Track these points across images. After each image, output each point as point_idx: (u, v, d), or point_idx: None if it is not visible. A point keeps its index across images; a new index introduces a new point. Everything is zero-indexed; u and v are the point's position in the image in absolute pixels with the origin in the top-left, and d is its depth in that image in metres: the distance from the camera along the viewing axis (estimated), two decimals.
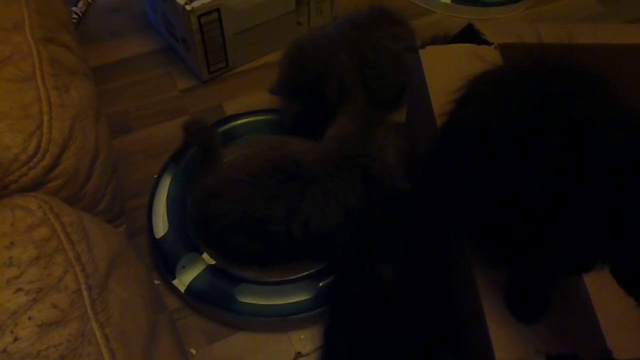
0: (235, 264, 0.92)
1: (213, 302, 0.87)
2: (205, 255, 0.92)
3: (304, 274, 0.91)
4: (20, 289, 0.45)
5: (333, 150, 0.91)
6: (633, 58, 0.98)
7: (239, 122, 1.14)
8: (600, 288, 0.67)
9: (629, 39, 0.98)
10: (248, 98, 1.23)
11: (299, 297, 0.88)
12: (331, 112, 0.99)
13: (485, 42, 0.93)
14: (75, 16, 1.36)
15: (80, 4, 1.39)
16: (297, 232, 0.86)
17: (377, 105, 1.07)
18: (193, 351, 0.87)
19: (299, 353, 0.87)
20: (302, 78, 1.02)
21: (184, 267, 0.91)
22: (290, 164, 0.87)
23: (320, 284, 0.90)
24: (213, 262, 0.92)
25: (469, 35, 0.96)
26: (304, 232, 0.86)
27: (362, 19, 1.11)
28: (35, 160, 0.57)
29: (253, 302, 0.88)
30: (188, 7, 1.08)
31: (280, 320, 0.87)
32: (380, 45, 1.08)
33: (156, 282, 0.93)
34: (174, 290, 0.91)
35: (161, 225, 0.96)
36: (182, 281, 0.90)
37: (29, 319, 0.44)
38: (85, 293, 0.49)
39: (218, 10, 1.12)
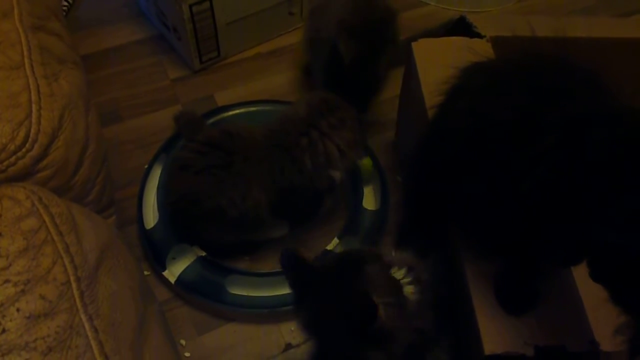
0: (219, 253, 0.92)
1: (203, 293, 0.87)
2: (195, 247, 0.92)
3: None
4: (8, 280, 0.45)
5: (273, 131, 0.90)
6: (625, 52, 0.98)
7: (230, 113, 1.13)
8: (589, 281, 0.68)
9: (622, 33, 0.98)
10: (240, 88, 1.22)
11: (289, 288, 0.88)
12: (386, 57, 1.00)
13: (478, 35, 0.93)
14: (66, 4, 1.33)
15: None
16: (228, 206, 0.84)
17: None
18: (183, 342, 0.87)
19: (289, 344, 0.87)
20: (367, 18, 0.99)
21: (174, 258, 0.91)
22: (220, 136, 0.87)
23: None
24: (203, 253, 0.91)
25: (461, 27, 0.96)
26: (234, 205, 0.84)
27: None
28: (23, 150, 0.56)
29: (243, 293, 0.88)
30: None
31: (270, 312, 0.87)
32: None
33: (146, 273, 0.93)
34: (164, 281, 0.90)
35: (151, 216, 0.96)
36: (173, 272, 0.89)
37: (17, 310, 0.44)
38: (74, 285, 0.48)
39: None
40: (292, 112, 0.91)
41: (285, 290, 0.88)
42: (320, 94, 0.92)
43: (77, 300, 0.48)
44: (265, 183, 0.86)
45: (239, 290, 0.88)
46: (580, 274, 0.69)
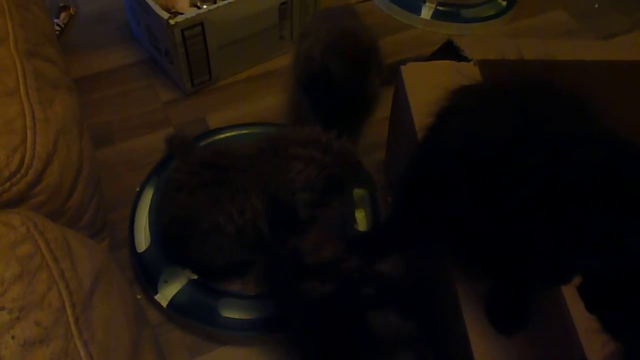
0: (211, 276, 0.92)
1: (196, 317, 0.87)
2: (187, 270, 0.92)
3: None
4: (3, 307, 0.45)
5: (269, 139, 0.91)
6: (608, 73, 1.01)
7: (222, 135, 1.14)
8: (579, 300, 0.68)
9: (604, 55, 1.01)
10: (231, 111, 1.23)
11: None
12: (374, 82, 1.02)
13: (465, 59, 0.95)
14: (58, 28, 1.35)
15: (62, 16, 1.38)
16: (225, 223, 0.84)
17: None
18: None
19: None
20: (353, 43, 1.01)
21: (166, 281, 0.90)
22: (212, 156, 0.88)
23: None
24: (195, 276, 0.91)
25: (449, 51, 0.98)
26: (232, 220, 0.84)
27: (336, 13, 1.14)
28: (18, 176, 0.57)
29: (236, 316, 0.87)
30: (172, 21, 1.09)
31: (262, 335, 0.87)
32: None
33: (138, 296, 0.92)
34: (156, 304, 0.90)
35: (143, 239, 0.96)
36: (165, 296, 0.89)
37: (12, 338, 0.44)
38: (69, 311, 0.48)
39: (202, 24, 1.13)
40: (287, 131, 0.92)
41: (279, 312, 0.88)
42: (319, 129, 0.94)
43: (72, 326, 0.48)
44: (263, 191, 0.86)
45: (231, 313, 0.88)
46: (571, 293, 0.70)
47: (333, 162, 0.88)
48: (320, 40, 1.03)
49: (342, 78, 0.98)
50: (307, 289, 0.74)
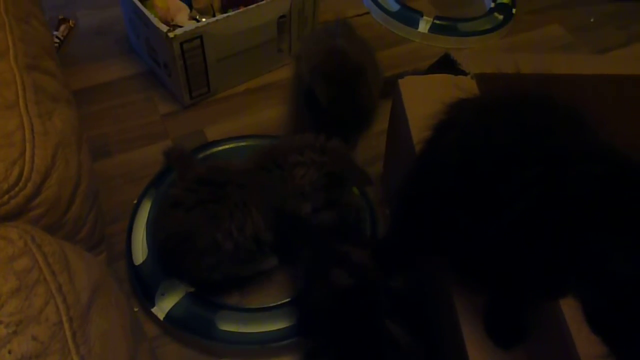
0: (208, 289, 0.92)
1: (193, 330, 0.87)
2: (184, 282, 0.92)
3: (285, 300, 0.91)
4: (0, 322, 0.45)
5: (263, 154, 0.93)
6: (604, 87, 1.02)
7: (220, 147, 1.14)
8: (578, 313, 0.68)
9: (600, 69, 1.02)
10: (230, 123, 1.24)
11: (280, 324, 0.88)
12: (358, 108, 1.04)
13: (462, 72, 0.96)
14: (57, 40, 1.35)
15: (62, 28, 1.39)
16: (223, 239, 0.84)
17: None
18: None
19: None
20: (343, 70, 1.03)
21: (163, 294, 0.90)
22: (209, 172, 0.89)
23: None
24: (192, 289, 0.91)
25: (446, 64, 0.99)
26: (231, 237, 0.84)
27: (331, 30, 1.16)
28: (17, 189, 0.57)
29: (234, 329, 0.87)
30: (171, 34, 1.09)
31: (261, 348, 0.86)
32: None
33: (135, 309, 0.92)
34: (153, 317, 0.90)
35: (140, 252, 0.96)
36: (162, 308, 0.89)
37: (9, 352, 0.43)
38: (66, 325, 0.48)
39: (200, 37, 1.14)
40: (280, 142, 0.93)
41: (276, 325, 0.88)
42: (311, 135, 0.95)
43: (69, 341, 0.48)
44: (267, 204, 0.87)
45: (229, 326, 0.87)
46: (569, 306, 0.70)
47: (330, 161, 0.90)
48: (308, 62, 1.06)
49: (328, 99, 0.99)
50: (335, 276, 0.78)
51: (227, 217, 0.84)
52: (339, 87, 1.01)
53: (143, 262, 0.94)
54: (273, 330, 0.86)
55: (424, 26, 1.49)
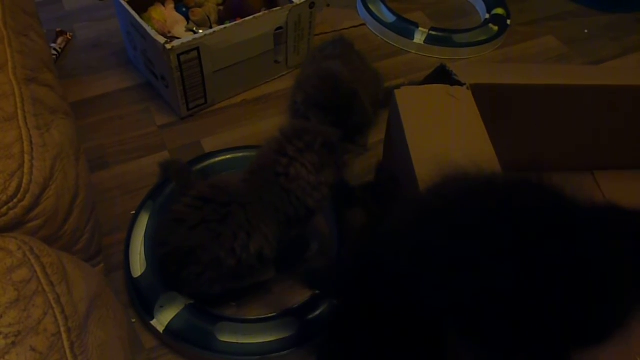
0: (206, 300, 0.91)
1: (193, 342, 0.86)
2: (184, 294, 0.91)
3: (285, 310, 0.91)
4: None
5: (252, 172, 0.90)
6: (598, 98, 1.03)
7: (217, 159, 1.14)
8: None
9: (595, 80, 1.03)
10: (227, 135, 1.24)
11: (280, 334, 0.88)
12: (353, 131, 1.05)
13: (458, 83, 0.97)
14: (54, 52, 1.36)
15: (59, 40, 1.40)
16: (226, 257, 0.83)
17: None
18: None
19: None
20: (335, 96, 1.04)
21: (162, 306, 0.90)
22: (212, 191, 0.88)
23: (301, 321, 0.90)
24: (191, 301, 0.91)
25: (442, 75, 1.00)
26: (234, 254, 0.84)
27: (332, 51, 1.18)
28: (15, 200, 0.57)
29: (233, 340, 0.87)
30: (168, 46, 1.10)
31: (260, 359, 0.86)
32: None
33: (133, 320, 0.91)
34: (150, 328, 0.89)
35: (138, 264, 0.95)
36: (161, 321, 0.88)
37: None
38: (64, 336, 0.48)
39: (198, 49, 1.14)
40: (264, 148, 0.91)
41: (276, 336, 0.88)
42: (292, 122, 0.94)
43: (68, 352, 0.48)
44: (270, 222, 0.86)
45: (229, 337, 0.87)
46: None
47: (317, 137, 0.88)
48: (302, 88, 1.08)
49: (324, 123, 1.01)
50: None
51: (231, 236, 0.83)
52: (333, 114, 1.03)
53: (141, 274, 0.94)
54: (273, 340, 0.86)
55: (419, 37, 1.51)
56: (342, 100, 1.03)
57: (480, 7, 1.67)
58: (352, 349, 0.67)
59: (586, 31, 1.65)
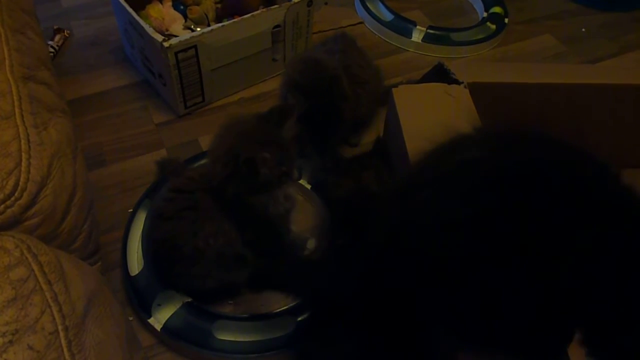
0: (202, 298, 0.91)
1: (190, 340, 0.86)
2: (181, 292, 0.91)
3: (282, 309, 0.91)
4: None
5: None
6: (596, 96, 1.03)
7: None
8: None
9: (591, 79, 1.03)
10: None
11: (277, 332, 0.88)
12: (334, 116, 1.06)
13: (455, 81, 0.97)
14: (52, 50, 1.36)
15: (56, 38, 1.39)
16: (205, 246, 0.83)
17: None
18: None
19: None
20: (316, 80, 1.04)
21: (159, 304, 0.90)
22: (183, 181, 0.88)
23: (298, 319, 0.90)
24: (189, 299, 0.91)
25: (439, 74, 1.00)
26: (210, 246, 0.83)
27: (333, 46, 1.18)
28: (12, 198, 0.57)
29: (231, 338, 0.87)
30: (166, 44, 1.10)
31: (258, 357, 0.86)
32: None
33: (130, 318, 0.92)
34: (148, 326, 0.89)
35: (136, 263, 0.95)
36: (158, 319, 0.88)
37: None
38: (62, 334, 0.48)
39: (195, 47, 1.14)
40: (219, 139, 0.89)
41: (274, 334, 0.88)
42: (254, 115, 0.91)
43: (65, 350, 0.48)
44: (229, 213, 0.85)
45: (226, 335, 0.87)
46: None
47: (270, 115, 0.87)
48: (286, 72, 1.10)
49: (302, 109, 1.01)
50: None
51: (200, 226, 0.84)
52: (313, 97, 1.03)
53: (139, 272, 0.94)
54: (270, 338, 0.86)
55: (417, 36, 1.51)
56: (322, 84, 1.03)
57: (478, 6, 1.67)
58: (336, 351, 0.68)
59: (584, 30, 1.65)
